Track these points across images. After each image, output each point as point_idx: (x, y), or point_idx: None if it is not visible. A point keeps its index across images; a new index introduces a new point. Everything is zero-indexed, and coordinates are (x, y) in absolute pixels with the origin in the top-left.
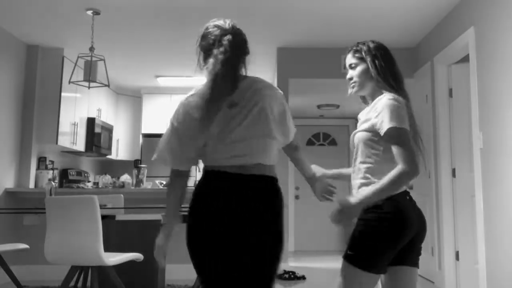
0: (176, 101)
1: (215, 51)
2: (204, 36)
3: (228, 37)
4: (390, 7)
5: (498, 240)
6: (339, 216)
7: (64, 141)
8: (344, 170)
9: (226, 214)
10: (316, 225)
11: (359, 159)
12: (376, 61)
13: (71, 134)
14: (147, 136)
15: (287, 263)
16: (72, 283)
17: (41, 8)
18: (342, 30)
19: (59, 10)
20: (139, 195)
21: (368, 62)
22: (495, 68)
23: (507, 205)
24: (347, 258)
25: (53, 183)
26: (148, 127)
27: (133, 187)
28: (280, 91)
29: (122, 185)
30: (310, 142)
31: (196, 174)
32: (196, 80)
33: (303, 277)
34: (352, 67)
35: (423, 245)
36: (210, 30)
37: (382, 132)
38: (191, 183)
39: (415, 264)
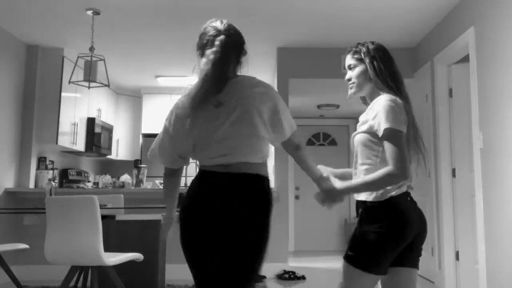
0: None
1: (207, 51)
2: (200, 37)
3: (221, 37)
4: (390, 7)
5: (498, 240)
6: (323, 197)
7: (64, 141)
8: (349, 170)
9: (208, 209)
10: (316, 225)
11: (359, 161)
12: (375, 63)
13: (71, 134)
14: (147, 136)
15: (287, 263)
16: (72, 283)
17: (41, 8)
18: (342, 30)
19: (59, 10)
20: (139, 195)
21: (367, 63)
22: (495, 68)
23: (507, 205)
24: (348, 258)
25: (53, 183)
26: (148, 127)
27: (133, 187)
28: (272, 88)
29: (122, 185)
30: (310, 142)
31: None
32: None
33: (303, 277)
34: (351, 68)
35: (423, 245)
36: (206, 30)
37: (380, 133)
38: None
39: (415, 265)
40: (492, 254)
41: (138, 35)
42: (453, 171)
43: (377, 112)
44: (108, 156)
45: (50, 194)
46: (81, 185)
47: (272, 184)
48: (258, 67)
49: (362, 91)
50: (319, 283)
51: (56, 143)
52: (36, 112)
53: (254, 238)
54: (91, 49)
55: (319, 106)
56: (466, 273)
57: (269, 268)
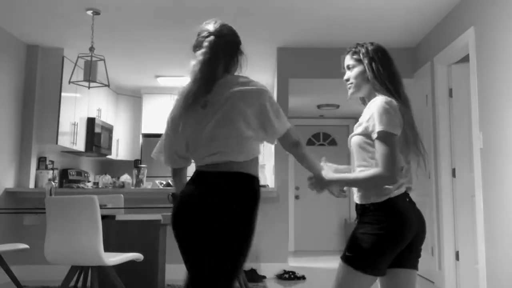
0: None
1: (197, 53)
2: (196, 38)
3: (210, 38)
4: (390, 7)
5: (498, 240)
6: (313, 183)
7: (64, 141)
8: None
9: (204, 209)
10: (316, 225)
11: (356, 162)
12: (373, 64)
13: (71, 134)
14: (147, 136)
15: (287, 263)
16: (72, 283)
17: (41, 8)
18: (342, 30)
19: (59, 10)
20: (139, 195)
21: (365, 64)
22: (495, 68)
23: (507, 205)
24: (346, 259)
25: (53, 183)
26: (148, 127)
27: (133, 187)
28: (260, 87)
29: (122, 185)
30: (310, 142)
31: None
32: None
33: (303, 277)
34: (349, 68)
35: (423, 245)
36: (199, 31)
37: (373, 135)
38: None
39: (415, 266)
40: (492, 254)
41: (138, 35)
42: (453, 171)
43: (371, 114)
44: (108, 156)
45: (50, 194)
46: (81, 185)
47: (272, 184)
48: (258, 67)
49: (360, 92)
50: (319, 283)
51: (56, 143)
52: (36, 112)
53: (245, 235)
54: (91, 49)
55: (319, 106)
56: (466, 273)
57: (269, 268)
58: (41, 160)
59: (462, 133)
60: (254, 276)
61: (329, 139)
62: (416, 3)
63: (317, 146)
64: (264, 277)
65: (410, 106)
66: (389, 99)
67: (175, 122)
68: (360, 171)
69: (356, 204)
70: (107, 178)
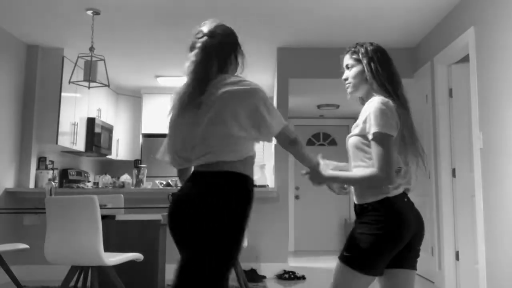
0: None
1: (190, 54)
2: (192, 39)
3: (202, 39)
4: (390, 7)
5: (498, 240)
6: (311, 175)
7: (64, 141)
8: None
9: (200, 209)
10: (316, 225)
11: (353, 163)
12: (372, 64)
13: (71, 134)
14: (147, 136)
15: (287, 263)
16: (72, 283)
17: (41, 8)
18: (342, 30)
19: (59, 10)
20: (139, 195)
21: (364, 64)
22: (495, 68)
23: (507, 205)
24: (344, 259)
25: (53, 183)
26: (148, 127)
27: (133, 187)
28: (253, 87)
29: (122, 185)
30: (310, 142)
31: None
32: None
33: (303, 277)
34: (348, 67)
35: (423, 245)
36: (195, 32)
37: (369, 136)
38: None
39: (413, 266)
40: (492, 254)
41: (138, 35)
42: (453, 171)
43: (368, 115)
44: (108, 156)
45: (50, 194)
46: (81, 185)
47: (272, 184)
48: (258, 67)
49: (358, 92)
50: (319, 283)
51: (56, 143)
52: (36, 112)
53: (238, 234)
54: (91, 49)
55: (319, 106)
56: (466, 273)
57: (269, 268)
58: (41, 160)
59: (462, 133)
60: (254, 276)
61: (329, 139)
62: (416, 3)
63: (317, 146)
64: (264, 277)
65: (408, 107)
66: (386, 99)
67: (172, 123)
68: (357, 170)
69: (355, 204)
70: (107, 178)
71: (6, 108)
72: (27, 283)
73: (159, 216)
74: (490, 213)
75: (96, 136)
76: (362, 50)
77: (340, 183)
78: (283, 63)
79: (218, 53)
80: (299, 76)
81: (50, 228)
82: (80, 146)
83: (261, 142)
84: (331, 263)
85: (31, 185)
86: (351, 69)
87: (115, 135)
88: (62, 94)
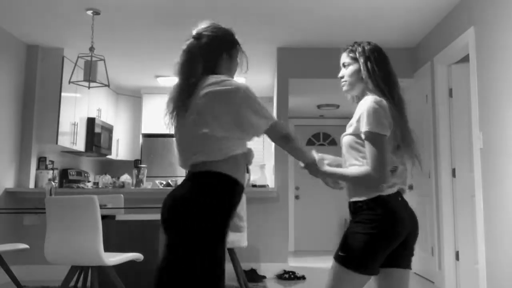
0: None
1: (179, 56)
2: None
3: (188, 42)
4: (390, 7)
5: (498, 240)
6: (309, 170)
7: (64, 141)
8: None
9: (197, 209)
10: (316, 225)
11: (347, 162)
12: (369, 63)
13: (71, 134)
14: (147, 136)
15: (287, 263)
16: (72, 283)
17: (41, 8)
18: (342, 30)
19: (59, 10)
20: (139, 195)
21: (361, 63)
22: (495, 68)
23: (507, 205)
24: (338, 259)
25: (53, 183)
26: (148, 127)
27: (133, 187)
28: (236, 86)
29: (122, 185)
30: (310, 142)
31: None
32: None
33: (303, 277)
34: (345, 66)
35: (424, 245)
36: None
37: (362, 135)
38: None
39: (408, 265)
40: (492, 254)
41: (138, 35)
42: (453, 171)
43: (361, 114)
44: (108, 156)
45: (50, 194)
46: (81, 185)
47: (272, 184)
48: (258, 67)
49: (354, 90)
50: (319, 283)
51: (56, 143)
52: (36, 112)
53: (218, 234)
54: (91, 49)
55: (319, 106)
56: (466, 273)
57: (269, 268)
58: (41, 160)
59: (462, 133)
60: (254, 276)
61: (329, 139)
62: (416, 3)
63: (317, 146)
64: (264, 277)
65: (404, 107)
66: (379, 98)
67: (173, 126)
68: (353, 168)
69: (349, 202)
70: (107, 178)
71: (6, 108)
72: (27, 283)
73: (159, 216)
74: (490, 213)
75: (96, 136)
76: (360, 49)
77: (335, 179)
78: (283, 63)
79: (204, 54)
80: (299, 76)
81: (50, 228)
82: (80, 146)
83: (260, 142)
84: (331, 263)
85: (31, 185)
86: (347, 67)
87: (115, 135)
88: (62, 94)
